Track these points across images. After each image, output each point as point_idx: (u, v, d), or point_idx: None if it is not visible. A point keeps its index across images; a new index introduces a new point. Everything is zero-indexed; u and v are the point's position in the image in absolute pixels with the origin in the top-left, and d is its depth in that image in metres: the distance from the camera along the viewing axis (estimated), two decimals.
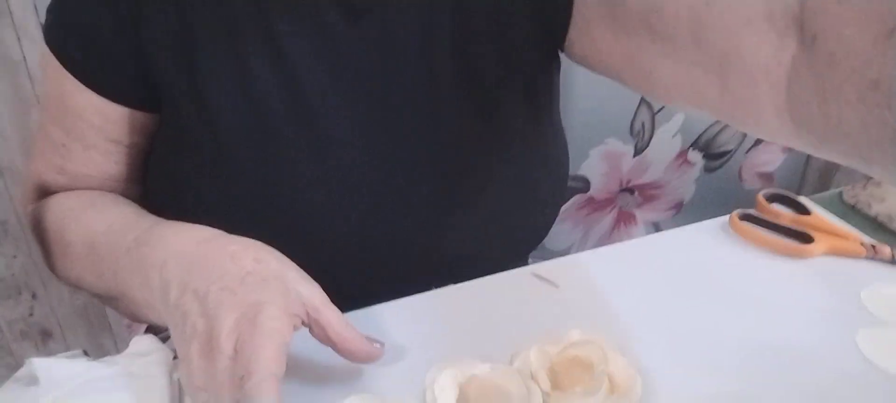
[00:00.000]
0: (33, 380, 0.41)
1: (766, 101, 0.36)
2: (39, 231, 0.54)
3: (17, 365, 0.43)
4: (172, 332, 0.40)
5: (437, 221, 0.56)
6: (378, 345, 0.45)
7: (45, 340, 1.07)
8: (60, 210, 0.52)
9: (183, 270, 0.40)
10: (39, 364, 0.42)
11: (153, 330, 0.76)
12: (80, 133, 0.52)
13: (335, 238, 0.54)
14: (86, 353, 0.50)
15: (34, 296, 1.02)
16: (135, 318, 0.51)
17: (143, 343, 0.47)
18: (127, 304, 0.48)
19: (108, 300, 0.51)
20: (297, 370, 0.47)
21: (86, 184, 0.54)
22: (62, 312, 1.06)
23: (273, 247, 0.43)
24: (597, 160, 0.98)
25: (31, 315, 1.03)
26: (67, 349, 1.02)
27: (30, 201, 0.56)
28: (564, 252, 1.09)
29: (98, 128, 0.52)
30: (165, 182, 0.55)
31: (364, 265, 0.56)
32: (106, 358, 0.46)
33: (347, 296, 0.50)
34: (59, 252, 0.51)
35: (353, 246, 0.55)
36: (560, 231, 1.06)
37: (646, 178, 1.03)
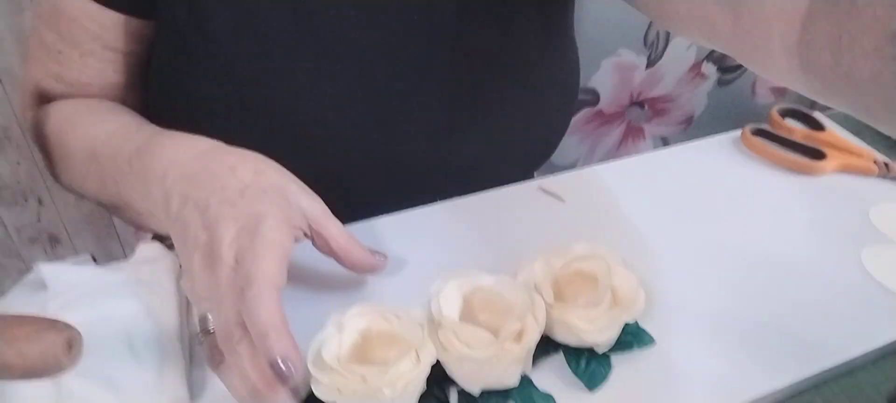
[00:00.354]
0: (41, 286, 0.42)
1: (777, 42, 0.35)
2: (40, 139, 0.53)
3: (28, 270, 0.44)
4: (175, 243, 0.40)
5: (444, 132, 0.55)
6: (381, 256, 0.45)
7: (54, 245, 1.09)
8: (60, 118, 0.51)
9: (183, 182, 0.40)
10: (47, 270, 0.42)
11: (159, 237, 0.77)
12: (76, 39, 0.50)
13: (337, 147, 0.53)
14: (94, 259, 0.50)
15: (40, 202, 1.03)
16: (138, 227, 0.51)
17: (149, 249, 0.48)
18: (130, 213, 0.48)
19: (112, 208, 0.51)
20: (301, 280, 0.47)
21: (84, 92, 0.53)
22: (69, 217, 1.07)
23: (273, 158, 0.42)
24: (608, 72, 0.96)
25: (38, 220, 1.04)
26: (76, 254, 1.04)
27: (29, 108, 0.55)
28: (570, 166, 1.08)
29: (94, 35, 0.50)
30: (164, 90, 0.54)
31: (367, 176, 0.56)
32: (113, 264, 0.46)
33: (350, 208, 0.50)
34: (61, 160, 0.51)
35: (356, 156, 0.54)
36: (567, 144, 1.05)
37: (657, 91, 1.01)
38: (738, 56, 0.40)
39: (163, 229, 0.43)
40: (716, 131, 0.65)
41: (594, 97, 1.00)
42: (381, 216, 0.53)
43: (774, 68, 0.37)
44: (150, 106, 0.55)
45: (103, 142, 0.47)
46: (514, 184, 0.58)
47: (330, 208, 0.43)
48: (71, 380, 0.37)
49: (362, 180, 0.56)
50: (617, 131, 1.06)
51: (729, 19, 0.38)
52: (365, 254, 0.44)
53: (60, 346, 0.28)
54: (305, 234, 0.42)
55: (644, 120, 1.05)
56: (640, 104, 1.02)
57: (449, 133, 0.56)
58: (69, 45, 0.50)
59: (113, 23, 0.50)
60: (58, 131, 0.50)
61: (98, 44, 0.51)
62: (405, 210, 0.54)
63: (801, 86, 0.36)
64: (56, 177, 0.54)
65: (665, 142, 1.08)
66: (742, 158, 0.61)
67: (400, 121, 0.53)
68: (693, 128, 1.07)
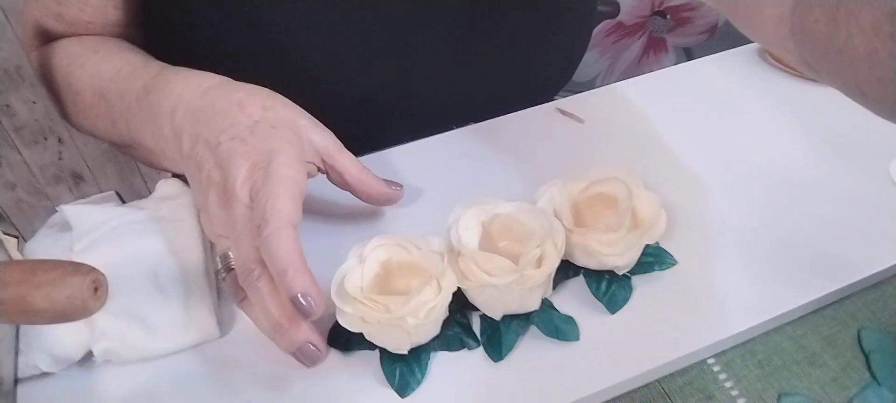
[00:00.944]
0: (66, 227, 0.42)
1: (771, 7, 0.34)
2: (46, 79, 0.52)
3: (53, 209, 0.44)
4: (190, 182, 0.41)
5: (460, 62, 0.54)
6: (397, 187, 0.45)
7: (78, 183, 1.10)
8: (65, 57, 0.50)
9: (192, 121, 0.39)
10: (70, 211, 0.42)
11: (178, 174, 0.77)
12: None
13: (350, 82, 0.52)
14: (119, 195, 0.50)
15: (60, 140, 1.03)
16: (151, 165, 0.51)
17: (169, 186, 0.48)
18: (142, 152, 0.48)
19: (124, 147, 0.51)
20: (319, 214, 0.48)
21: (86, 30, 0.51)
22: (89, 154, 1.08)
23: (282, 94, 0.41)
24: None
25: (60, 158, 1.06)
26: (100, 191, 1.05)
27: (32, 47, 0.54)
28: (590, 83, 1.05)
29: None
30: (165, 28, 0.52)
31: (382, 110, 0.55)
32: (134, 202, 0.47)
33: (364, 143, 0.50)
34: (69, 100, 0.50)
35: (370, 90, 0.53)
36: (586, 60, 1.02)
37: None
38: (730, 16, 0.39)
39: (176, 167, 0.43)
40: (741, 41, 0.62)
41: (614, 8, 0.96)
42: (395, 146, 0.53)
43: (762, 33, 0.36)
44: (151, 41, 0.54)
45: (110, 79, 0.46)
46: (531, 108, 0.56)
47: (346, 144, 0.42)
48: (103, 319, 0.38)
49: (377, 115, 0.55)
50: (638, 44, 1.02)
51: None
52: (381, 185, 0.44)
53: (86, 289, 0.29)
54: (319, 169, 0.42)
55: (666, 30, 1.01)
56: (662, 14, 0.99)
57: (465, 63, 0.54)
58: None
59: None
60: (64, 72, 0.50)
61: None
62: (419, 140, 0.53)
63: (788, 56, 0.35)
64: (66, 117, 0.54)
65: (688, 53, 1.05)
66: (767, 70, 0.59)
67: (415, 53, 0.52)
68: (716, 37, 1.03)
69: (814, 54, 0.32)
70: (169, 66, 0.45)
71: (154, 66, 0.45)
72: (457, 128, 0.55)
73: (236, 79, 0.42)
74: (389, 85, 0.53)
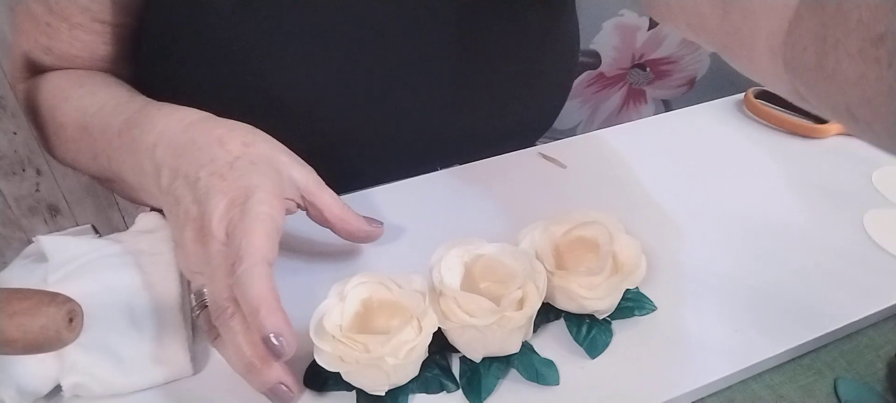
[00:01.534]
0: (41, 258, 0.41)
1: (763, 41, 0.35)
2: (31, 111, 0.52)
3: (28, 241, 0.43)
4: (167, 217, 0.40)
5: (443, 104, 0.55)
6: (377, 224, 0.45)
7: (54, 215, 1.09)
8: (50, 90, 0.50)
9: (172, 155, 0.39)
10: (47, 242, 0.42)
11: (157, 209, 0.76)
12: (65, 12, 0.49)
13: (335, 121, 0.53)
14: (95, 229, 0.50)
15: (39, 172, 1.02)
16: (132, 200, 0.51)
17: (148, 220, 0.47)
18: (123, 187, 0.48)
19: (105, 182, 0.50)
20: (299, 252, 0.47)
21: (74, 64, 0.52)
22: (68, 187, 1.07)
23: (267, 131, 0.42)
24: (610, 33, 0.94)
25: (37, 190, 1.04)
26: (76, 224, 1.04)
27: (19, 79, 0.54)
28: (571, 130, 1.07)
29: (83, 8, 0.49)
30: (155, 62, 0.53)
31: (366, 149, 0.55)
32: (113, 235, 0.46)
33: (349, 181, 0.50)
34: (52, 132, 0.50)
35: (354, 130, 0.53)
36: (568, 108, 1.04)
37: (659, 53, 0.99)
38: (722, 51, 0.40)
39: (155, 202, 0.43)
40: (718, 94, 0.64)
41: (596, 59, 0.98)
42: (378, 186, 0.53)
43: (757, 67, 0.37)
44: (140, 78, 0.55)
45: (93, 114, 0.46)
46: (515, 152, 0.57)
47: (328, 182, 0.43)
48: (73, 352, 0.37)
49: (360, 153, 0.55)
50: (618, 94, 1.05)
51: (718, 13, 0.38)
52: (361, 222, 0.44)
53: (61, 320, 0.28)
54: (299, 206, 0.42)
55: (646, 82, 1.04)
56: (642, 66, 1.01)
57: (448, 105, 0.55)
58: (58, 18, 0.49)
59: None
60: (49, 104, 0.50)
61: (87, 16, 0.49)
62: (404, 180, 0.54)
63: (781, 87, 0.36)
64: (50, 150, 0.53)
65: (667, 104, 1.07)
66: (744, 122, 0.61)
67: (400, 93, 0.53)
68: (695, 90, 1.06)
69: (805, 83, 0.32)
70: (152, 101, 0.45)
71: (137, 102, 0.45)
72: (441, 169, 0.55)
73: (222, 114, 0.42)
74: (373, 122, 0.54)
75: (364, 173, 0.53)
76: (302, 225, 0.49)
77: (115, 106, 0.45)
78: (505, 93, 0.57)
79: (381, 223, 0.46)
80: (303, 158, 0.42)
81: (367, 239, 0.45)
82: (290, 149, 0.42)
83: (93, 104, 0.47)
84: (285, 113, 0.51)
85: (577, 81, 1.02)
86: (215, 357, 0.40)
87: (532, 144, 0.68)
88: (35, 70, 0.53)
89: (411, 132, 0.55)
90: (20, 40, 0.52)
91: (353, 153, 0.55)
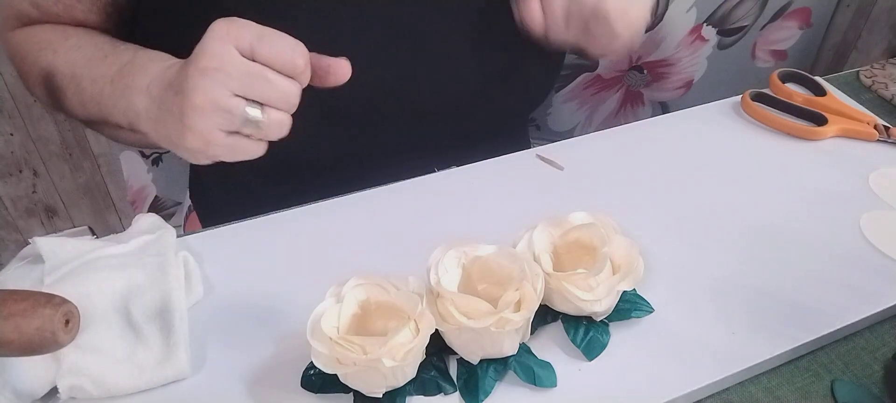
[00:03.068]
0: (38, 259, 0.41)
1: None
2: (18, 59, 0.55)
3: (25, 243, 0.43)
4: (164, 133, 0.42)
5: (448, 61, 0.56)
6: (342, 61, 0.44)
7: (51, 217, 1.08)
8: (37, 42, 0.53)
9: (166, 89, 0.42)
10: (43, 244, 0.42)
11: (155, 209, 0.77)
12: None
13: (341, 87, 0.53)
14: (92, 230, 0.50)
15: (35, 174, 1.02)
16: (116, 139, 0.56)
17: (146, 220, 0.47)
18: (108, 129, 0.51)
19: (89, 123, 0.53)
20: (297, 255, 0.47)
21: (57, 21, 0.54)
22: (65, 189, 1.06)
23: None
24: None
25: (33, 192, 1.04)
26: (73, 226, 1.03)
27: (7, 28, 0.56)
28: (568, 133, 1.07)
29: None
30: (158, 36, 0.53)
31: (371, 115, 0.56)
32: (110, 237, 0.46)
33: (353, 134, 0.54)
34: (39, 81, 0.53)
35: (362, 96, 0.54)
36: (565, 111, 1.04)
37: (656, 55, 0.99)
38: None
39: (142, 141, 0.47)
40: (715, 96, 0.64)
41: (593, 62, 0.98)
42: (378, 187, 0.53)
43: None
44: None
45: (83, 65, 0.49)
46: (512, 154, 0.57)
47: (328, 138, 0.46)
48: (70, 354, 0.37)
49: (369, 122, 0.56)
50: (615, 97, 1.05)
51: None
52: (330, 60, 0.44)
53: (57, 321, 0.28)
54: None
55: (643, 85, 1.04)
56: (639, 68, 1.01)
57: (453, 63, 0.56)
58: None
59: None
60: (35, 56, 0.52)
61: None
62: (402, 181, 0.54)
63: None
64: (33, 93, 0.56)
65: (664, 107, 1.08)
66: (742, 124, 0.61)
67: (402, 48, 0.54)
68: (692, 92, 1.06)
69: None
70: (140, 49, 0.48)
71: (127, 53, 0.48)
72: (438, 170, 0.55)
73: None
74: (378, 79, 0.54)
75: (370, 127, 0.55)
76: (301, 225, 0.49)
77: (104, 57, 0.48)
78: (500, 54, 0.58)
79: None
80: (305, 131, 0.44)
81: (335, 77, 0.44)
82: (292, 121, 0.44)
83: (80, 58, 0.50)
84: None
85: (574, 83, 1.02)
86: (214, 359, 0.40)
87: (527, 116, 0.69)
88: (22, 22, 0.55)
89: (414, 102, 0.56)
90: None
91: (361, 122, 0.56)
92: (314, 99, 0.44)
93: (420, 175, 0.54)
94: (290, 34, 0.44)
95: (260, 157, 0.43)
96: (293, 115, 0.42)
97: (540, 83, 0.66)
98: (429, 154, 0.59)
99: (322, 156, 0.58)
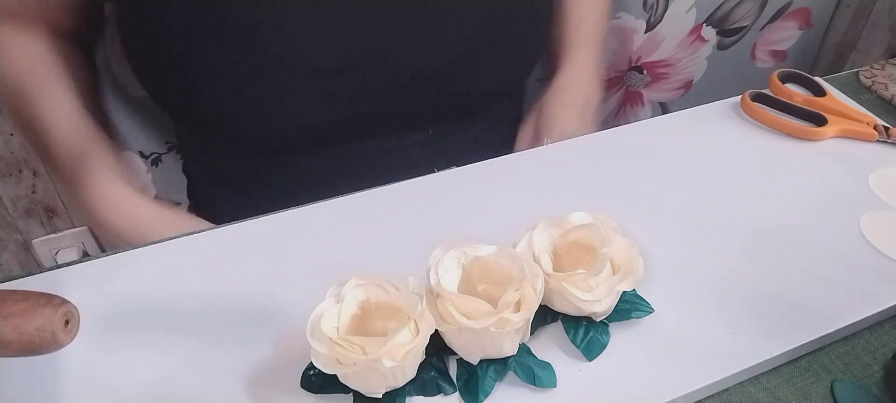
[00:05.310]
0: None
1: None
2: None
3: (25, 243, 0.43)
4: None
5: (439, 22, 0.56)
6: None
7: (51, 217, 1.08)
8: (27, 74, 0.56)
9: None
10: None
11: None
12: None
13: (338, 73, 0.55)
14: (92, 231, 0.50)
15: (35, 174, 1.02)
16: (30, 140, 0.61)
17: None
18: (42, 155, 0.58)
19: (26, 138, 0.61)
20: (297, 255, 0.47)
21: (27, 4, 0.55)
22: (64, 188, 1.06)
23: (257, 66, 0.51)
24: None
25: (33, 192, 1.04)
26: (73, 227, 1.03)
27: None
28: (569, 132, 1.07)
29: None
30: (143, 23, 0.55)
31: (363, 69, 0.56)
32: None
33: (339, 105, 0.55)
34: (10, 97, 0.56)
35: (355, 65, 0.55)
36: None
37: (656, 56, 1.00)
38: None
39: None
40: (715, 96, 0.64)
41: None
42: (378, 187, 0.53)
43: None
44: (127, 41, 0.58)
45: (59, 137, 0.55)
46: (510, 154, 0.57)
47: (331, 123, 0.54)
48: None
49: (356, 76, 0.57)
50: (615, 97, 1.05)
51: None
52: None
53: (57, 322, 0.28)
54: None
55: (643, 85, 1.04)
56: (639, 69, 1.01)
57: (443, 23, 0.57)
58: None
59: None
60: (17, 87, 0.55)
61: None
62: (401, 182, 0.54)
63: None
64: None
65: (664, 107, 1.08)
66: (742, 124, 0.61)
67: (392, 21, 0.54)
68: (692, 93, 1.06)
69: None
70: (98, 164, 0.54)
71: (89, 163, 0.53)
72: (438, 170, 0.55)
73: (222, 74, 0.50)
74: (366, 43, 0.55)
75: (362, 130, 0.56)
76: (301, 225, 0.49)
77: (74, 134, 0.55)
78: (476, 37, 0.59)
79: None
80: (293, 110, 0.48)
81: None
82: (244, 82, 0.49)
83: (58, 119, 0.55)
84: (239, 33, 0.52)
85: None
86: (214, 359, 0.40)
87: (521, 82, 0.70)
88: (11, 8, 0.56)
89: (399, 49, 0.56)
90: None
91: (353, 100, 0.57)
92: (301, 70, 0.45)
93: (410, 145, 0.57)
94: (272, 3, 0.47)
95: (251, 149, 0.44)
96: (285, 97, 0.44)
97: (524, 51, 0.66)
98: (413, 125, 0.61)
99: (316, 135, 0.58)
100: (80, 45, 0.63)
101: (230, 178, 0.65)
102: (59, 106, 0.56)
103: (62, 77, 0.57)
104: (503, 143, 0.70)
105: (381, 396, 0.37)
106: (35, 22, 0.56)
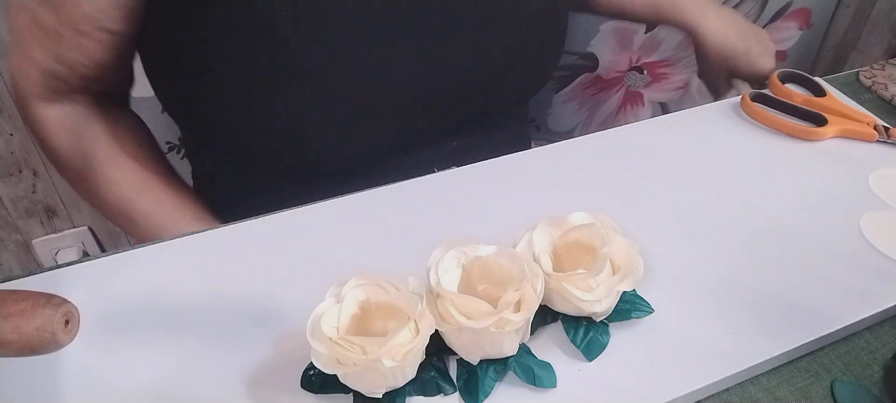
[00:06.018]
0: None
1: None
2: (66, 137, 0.57)
3: (25, 243, 0.43)
4: None
5: (459, 59, 0.57)
6: None
7: (51, 217, 1.08)
8: (104, 146, 0.57)
9: None
10: None
11: None
12: (72, 20, 0.51)
13: (357, 83, 0.54)
14: (92, 231, 0.50)
15: (35, 174, 1.02)
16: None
17: None
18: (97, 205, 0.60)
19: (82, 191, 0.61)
20: (297, 255, 0.47)
21: (77, 70, 0.54)
22: (65, 189, 1.06)
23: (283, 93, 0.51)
24: (607, 36, 0.95)
25: (33, 192, 1.04)
26: (73, 227, 1.03)
27: (39, 97, 0.55)
28: (568, 133, 1.07)
29: (89, 17, 0.51)
30: (177, 30, 0.54)
31: (385, 109, 0.57)
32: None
33: (364, 145, 0.56)
34: (79, 167, 0.57)
35: (376, 91, 0.55)
36: (565, 111, 1.04)
37: (656, 56, 1.00)
38: None
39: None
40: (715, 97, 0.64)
41: (593, 62, 0.99)
42: (379, 187, 0.53)
43: None
44: (157, 55, 0.57)
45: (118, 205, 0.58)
46: (512, 154, 0.57)
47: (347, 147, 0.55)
48: None
49: (382, 115, 0.57)
50: (615, 97, 1.05)
51: None
52: None
53: (57, 322, 0.28)
54: None
55: (643, 85, 1.04)
56: (639, 69, 1.01)
57: (457, 59, 0.57)
58: (66, 27, 0.51)
59: (106, 2, 0.51)
60: (71, 161, 0.57)
61: (92, 25, 0.51)
62: (404, 181, 0.54)
63: None
64: (56, 164, 0.60)
65: (664, 107, 1.08)
66: (742, 124, 0.61)
67: (405, 38, 0.54)
68: (692, 93, 1.06)
69: None
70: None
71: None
72: (438, 170, 0.55)
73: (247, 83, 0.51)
74: (390, 66, 0.55)
75: (384, 138, 0.57)
76: (301, 225, 0.49)
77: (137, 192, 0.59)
78: (495, 58, 0.59)
79: None
80: (346, 143, 0.48)
81: None
82: (307, 119, 0.50)
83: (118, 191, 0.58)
84: (306, 77, 0.52)
85: (574, 83, 1.02)
86: (214, 359, 0.40)
87: (529, 98, 0.70)
88: (53, 85, 0.55)
89: (418, 72, 0.56)
90: (35, 55, 0.53)
91: (375, 116, 0.57)
92: (331, 102, 0.45)
93: (421, 168, 0.55)
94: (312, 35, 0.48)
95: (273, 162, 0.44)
96: (317, 120, 0.44)
97: (548, 62, 0.67)
98: (438, 141, 0.61)
99: (336, 158, 0.59)
100: (120, 103, 0.63)
101: (251, 195, 0.65)
102: (117, 178, 0.58)
103: (112, 144, 0.58)
104: (518, 144, 0.70)
105: (381, 396, 0.37)
106: (76, 94, 0.56)
